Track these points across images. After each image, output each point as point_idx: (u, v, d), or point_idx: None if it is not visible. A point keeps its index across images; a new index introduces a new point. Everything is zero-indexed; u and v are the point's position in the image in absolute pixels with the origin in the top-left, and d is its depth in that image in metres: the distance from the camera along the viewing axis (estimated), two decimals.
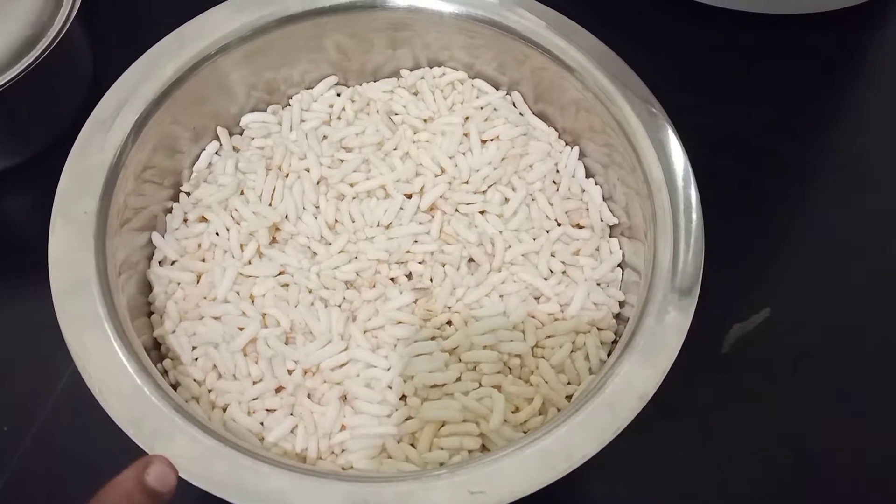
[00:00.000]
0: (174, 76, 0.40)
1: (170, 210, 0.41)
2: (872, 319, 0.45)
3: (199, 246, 0.40)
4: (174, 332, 0.38)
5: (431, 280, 0.40)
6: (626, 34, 0.43)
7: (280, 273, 0.39)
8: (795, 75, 0.53)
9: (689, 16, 0.52)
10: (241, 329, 0.38)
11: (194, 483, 0.30)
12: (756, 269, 0.47)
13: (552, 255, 0.40)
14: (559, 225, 0.42)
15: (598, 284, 0.40)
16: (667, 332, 0.35)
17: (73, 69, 0.47)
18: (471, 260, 0.40)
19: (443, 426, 0.36)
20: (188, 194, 0.42)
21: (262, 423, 0.36)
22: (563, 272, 0.40)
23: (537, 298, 0.40)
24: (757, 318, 0.44)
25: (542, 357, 0.38)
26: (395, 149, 0.43)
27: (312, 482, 0.31)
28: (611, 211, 0.42)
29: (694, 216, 0.38)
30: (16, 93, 0.41)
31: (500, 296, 0.39)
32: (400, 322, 0.38)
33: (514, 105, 0.45)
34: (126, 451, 0.30)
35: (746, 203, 0.48)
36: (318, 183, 0.42)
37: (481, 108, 0.44)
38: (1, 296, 0.44)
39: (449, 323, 0.39)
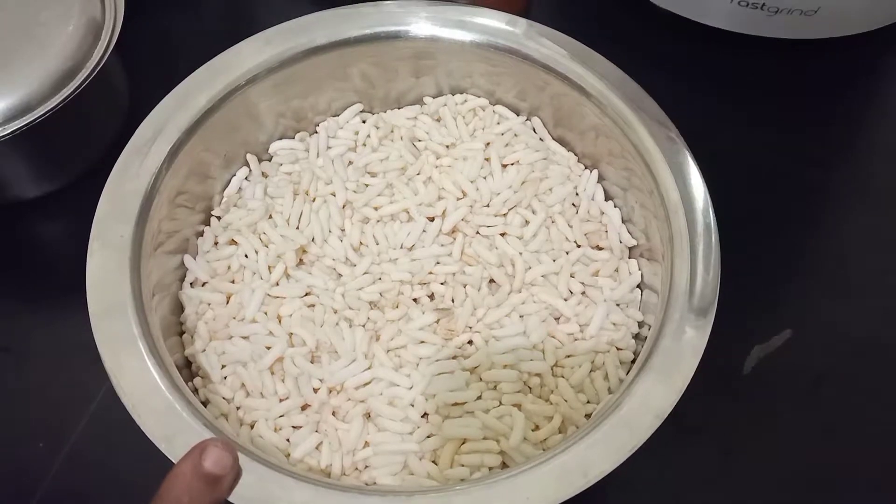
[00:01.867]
0: (206, 106, 0.41)
1: (201, 234, 0.43)
2: (893, 341, 0.45)
3: (229, 268, 0.41)
4: (204, 351, 0.40)
5: (453, 300, 0.41)
6: (645, 61, 0.44)
7: (306, 294, 0.41)
8: (812, 99, 0.53)
9: (706, 42, 0.53)
10: (269, 348, 0.39)
11: None
12: (777, 291, 0.47)
13: (572, 276, 0.41)
14: (578, 246, 0.43)
15: (618, 305, 0.41)
16: (683, 352, 0.35)
17: (110, 100, 0.49)
18: (491, 281, 0.41)
19: (464, 443, 0.37)
20: (219, 218, 0.43)
21: (287, 440, 0.38)
22: (583, 293, 0.41)
23: (557, 319, 0.41)
24: (778, 340, 0.45)
25: (562, 377, 0.39)
26: (418, 173, 0.44)
27: (336, 496, 0.32)
28: (629, 233, 0.43)
29: (712, 238, 0.38)
30: (55, 122, 0.43)
31: (521, 316, 0.40)
32: (422, 342, 0.39)
33: (534, 130, 0.46)
34: (157, 468, 0.31)
35: (767, 226, 0.48)
36: (343, 207, 0.43)
37: (502, 134, 0.45)
38: (38, 317, 0.45)
39: (470, 342, 0.40)
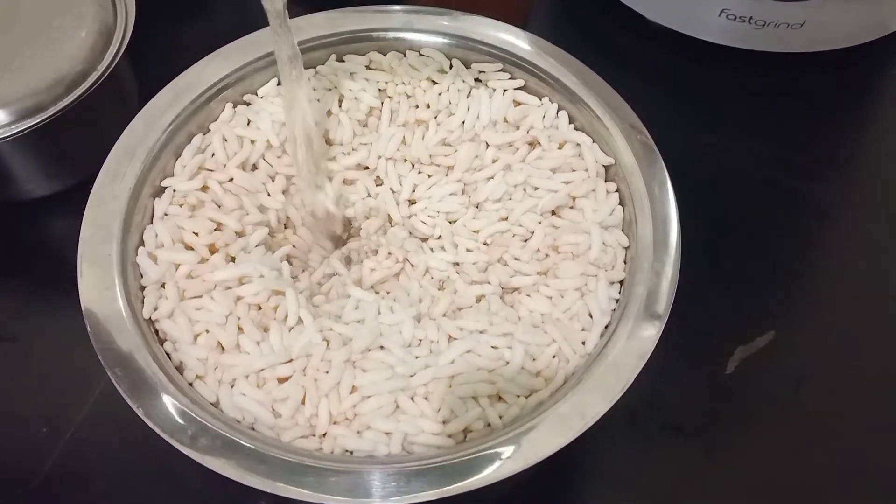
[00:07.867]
0: (172, 124, 0.42)
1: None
2: (874, 347, 0.45)
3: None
4: (171, 315, 0.38)
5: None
6: (636, 74, 0.46)
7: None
8: (799, 112, 0.54)
9: (697, 55, 0.54)
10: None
11: (245, 483, 0.32)
12: (761, 293, 0.47)
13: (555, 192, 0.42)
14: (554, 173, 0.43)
15: (600, 225, 0.41)
16: (659, 293, 0.37)
17: (119, 101, 0.50)
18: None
19: (456, 377, 0.36)
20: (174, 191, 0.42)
21: (272, 395, 0.36)
22: (571, 207, 0.42)
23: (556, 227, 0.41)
24: (761, 342, 0.45)
25: (549, 297, 0.39)
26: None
27: (350, 473, 0.33)
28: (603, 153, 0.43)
29: (668, 191, 0.40)
30: (67, 122, 0.44)
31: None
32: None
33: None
34: (159, 455, 0.33)
35: (754, 232, 0.49)
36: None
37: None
38: (45, 309, 0.46)
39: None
